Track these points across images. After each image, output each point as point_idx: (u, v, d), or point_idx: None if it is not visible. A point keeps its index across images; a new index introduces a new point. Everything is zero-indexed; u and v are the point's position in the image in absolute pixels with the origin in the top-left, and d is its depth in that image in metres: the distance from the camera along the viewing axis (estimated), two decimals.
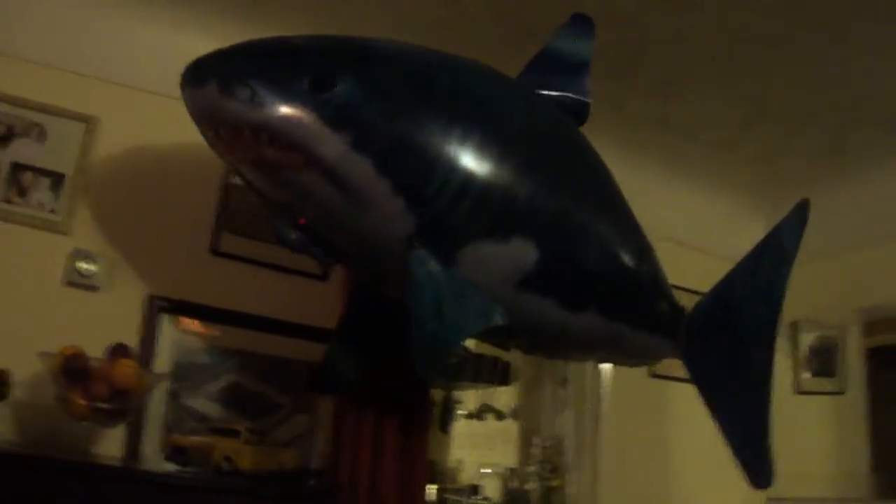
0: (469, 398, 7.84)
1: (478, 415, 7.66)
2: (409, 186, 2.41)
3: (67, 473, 2.71)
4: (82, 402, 2.88)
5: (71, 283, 3.35)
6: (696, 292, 4.76)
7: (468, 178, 2.47)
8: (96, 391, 2.88)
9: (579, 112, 3.03)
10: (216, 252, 3.62)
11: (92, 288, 3.36)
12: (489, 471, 7.28)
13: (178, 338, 3.49)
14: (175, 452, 3.05)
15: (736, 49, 3.72)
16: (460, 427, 7.88)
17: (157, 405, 3.36)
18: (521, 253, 2.60)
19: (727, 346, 3.09)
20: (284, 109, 2.31)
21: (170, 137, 3.45)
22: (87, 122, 3.51)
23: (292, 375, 3.65)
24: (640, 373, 4.53)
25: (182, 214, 3.55)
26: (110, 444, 3.21)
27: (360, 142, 2.34)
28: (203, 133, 2.50)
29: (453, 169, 2.45)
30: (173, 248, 3.54)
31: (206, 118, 2.45)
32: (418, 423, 3.54)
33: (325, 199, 2.40)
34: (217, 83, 2.34)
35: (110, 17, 3.57)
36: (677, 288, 4.66)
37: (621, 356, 3.42)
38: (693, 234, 4.91)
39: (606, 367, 4.48)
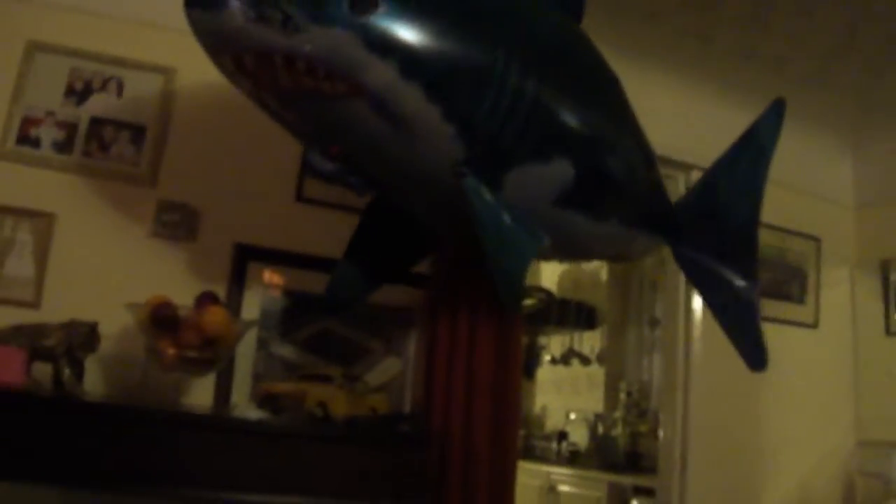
0: (554, 343, 7.84)
1: (563, 360, 7.66)
2: (460, 111, 2.34)
3: (158, 423, 2.71)
4: (171, 351, 2.86)
5: (157, 235, 3.35)
6: (787, 230, 4.73)
7: (516, 99, 2.41)
8: (185, 339, 2.86)
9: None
10: (301, 198, 3.59)
11: (178, 238, 3.36)
12: (575, 416, 7.29)
13: (265, 286, 3.48)
14: (267, 400, 3.03)
15: None
16: (545, 373, 7.92)
17: (246, 354, 3.36)
18: (561, 172, 2.61)
19: (714, 239, 3.26)
20: (323, 34, 2.14)
21: None
22: (165, 73, 3.50)
23: (381, 320, 3.64)
24: None
25: (265, 161, 3.52)
26: (200, 394, 3.24)
27: (409, 67, 2.22)
28: (218, 62, 2.35)
29: (502, 91, 2.38)
30: (258, 196, 3.52)
31: (225, 46, 2.25)
32: (510, 367, 3.50)
33: (370, 130, 2.31)
34: (243, 5, 2.10)
35: None
36: (769, 227, 4.63)
37: (625, 255, 3.60)
38: (782, 170, 4.80)
39: (698, 309, 4.39)
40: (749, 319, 3.23)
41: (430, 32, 2.26)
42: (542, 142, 2.56)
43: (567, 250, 3.26)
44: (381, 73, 2.20)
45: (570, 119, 2.67)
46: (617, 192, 2.93)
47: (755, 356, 3.26)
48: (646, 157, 3.15)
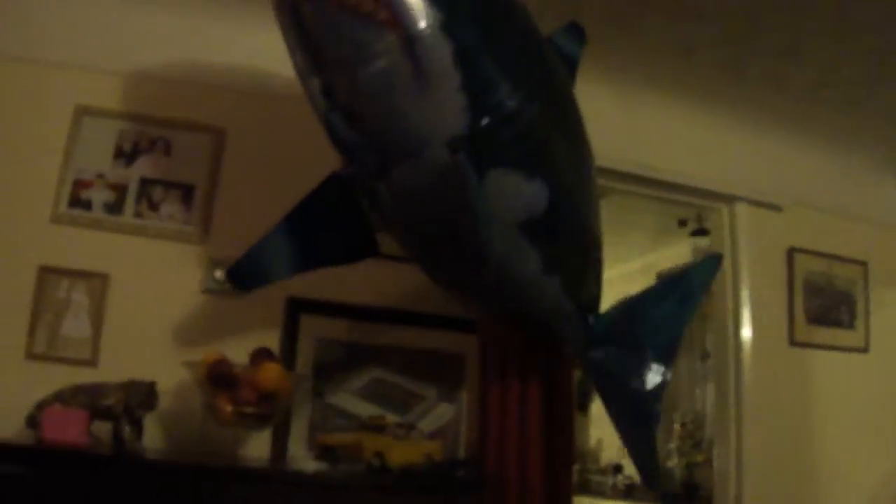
0: None
1: None
2: (476, 87, 2.36)
3: (218, 478, 2.76)
4: (229, 407, 2.91)
5: (209, 292, 3.41)
6: (833, 256, 4.71)
7: (522, 105, 2.48)
8: (242, 396, 2.92)
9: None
10: None
11: (230, 294, 3.39)
12: None
13: (317, 337, 3.51)
14: (324, 451, 3.07)
15: (854, 5, 3.62)
16: (599, 406, 7.83)
17: (301, 405, 3.39)
18: (537, 194, 2.62)
19: (625, 358, 3.15)
20: None
21: (296, 140, 3.44)
22: (214, 132, 3.57)
23: (433, 366, 3.66)
24: (780, 341, 4.47)
25: None
26: (258, 447, 3.26)
27: (452, 25, 2.27)
28: None
29: (514, 92, 2.46)
30: None
31: None
32: (562, 406, 3.51)
33: (388, 70, 2.30)
34: None
35: (230, 26, 3.61)
36: (815, 254, 4.63)
37: (535, 330, 3.32)
38: (822, 197, 4.81)
39: (747, 340, 4.38)
40: (645, 442, 3.21)
41: (476, 9, 2.39)
42: (532, 156, 2.62)
43: (495, 290, 2.99)
44: (425, 19, 2.24)
45: (559, 152, 2.77)
46: (572, 246, 2.96)
47: (647, 475, 3.31)
48: (599, 232, 3.16)
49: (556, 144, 2.75)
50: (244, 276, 3.04)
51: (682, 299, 3.23)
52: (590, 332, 3.14)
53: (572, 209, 2.90)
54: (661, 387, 3.12)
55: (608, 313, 3.21)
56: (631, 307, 3.32)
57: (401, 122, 2.42)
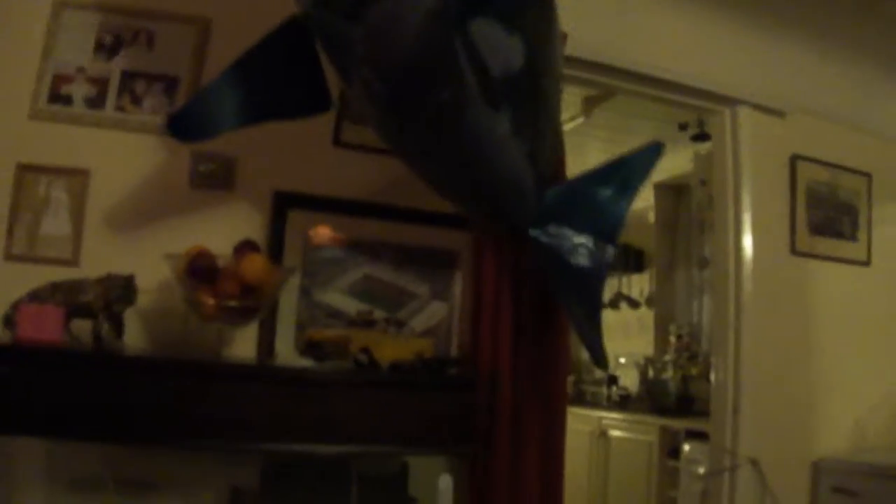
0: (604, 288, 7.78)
1: (612, 304, 7.61)
2: None
3: (199, 374, 2.71)
4: (211, 301, 2.82)
5: (194, 186, 3.31)
6: (838, 166, 4.63)
7: None
8: (225, 289, 2.82)
9: None
10: (339, 142, 3.52)
11: (215, 188, 3.31)
12: (625, 361, 7.23)
13: (306, 232, 3.42)
14: (311, 347, 2.99)
15: None
16: None
17: (288, 302, 3.31)
18: (514, 52, 2.55)
19: (569, 237, 3.12)
20: None
21: None
22: (199, 23, 3.44)
23: (425, 263, 3.58)
24: (781, 251, 4.41)
25: None
26: (243, 345, 3.21)
27: None
28: None
29: None
30: (295, 142, 3.44)
31: None
32: (558, 310, 3.44)
33: None
34: None
35: None
36: (820, 162, 4.54)
37: (489, 205, 3.17)
38: (827, 104, 4.71)
39: (748, 248, 4.30)
40: (591, 322, 3.28)
41: None
42: (515, 10, 2.55)
43: (466, 152, 2.83)
44: None
45: (537, 13, 2.69)
46: (540, 110, 2.90)
47: (594, 353, 3.33)
48: (558, 111, 3.13)
49: (534, 4, 2.66)
50: (186, 127, 2.89)
51: (622, 185, 3.19)
52: (539, 208, 3.10)
53: (543, 73, 2.81)
54: (603, 266, 3.15)
55: (552, 192, 3.13)
56: (573, 188, 3.26)
57: None
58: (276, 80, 2.88)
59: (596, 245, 3.09)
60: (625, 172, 3.23)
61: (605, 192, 3.17)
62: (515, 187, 2.96)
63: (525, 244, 3.14)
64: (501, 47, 2.50)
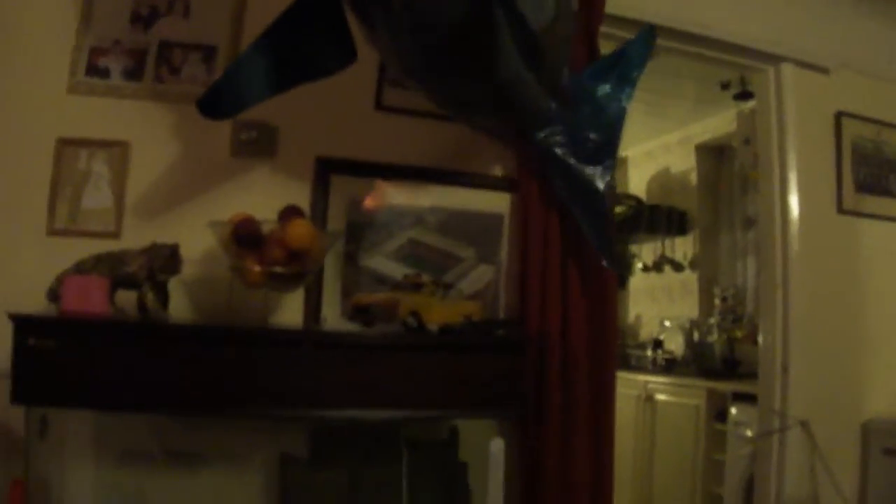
0: (645, 251, 7.74)
1: (655, 267, 7.56)
2: None
3: (246, 342, 2.69)
4: (257, 268, 2.81)
5: (236, 154, 3.29)
6: (882, 122, 4.56)
7: None
8: (271, 255, 2.80)
9: None
10: (380, 106, 3.49)
11: (257, 156, 3.30)
12: (670, 324, 7.18)
13: (350, 197, 3.40)
14: (358, 312, 2.96)
15: None
16: (638, 281, 7.83)
17: (333, 268, 3.30)
18: (546, 6, 2.51)
19: (571, 140, 3.21)
20: None
21: None
22: None
23: (471, 227, 3.55)
24: (828, 209, 4.36)
25: (342, 72, 3.41)
26: (289, 312, 3.21)
27: None
28: None
29: None
30: (336, 107, 3.41)
31: None
32: (605, 274, 3.42)
33: None
34: None
35: None
36: (863, 118, 4.48)
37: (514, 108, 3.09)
38: (871, 61, 4.64)
39: (794, 207, 4.24)
40: (599, 224, 3.28)
41: None
42: None
43: (500, 94, 2.84)
44: None
45: None
46: (563, 49, 2.88)
47: (606, 255, 3.35)
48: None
49: None
50: (217, 104, 2.86)
51: (620, 78, 3.26)
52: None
53: (565, 27, 2.80)
54: (608, 169, 3.25)
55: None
56: (574, 89, 3.21)
57: None
58: (304, 42, 2.82)
59: (595, 142, 3.19)
60: (622, 65, 3.28)
61: (604, 89, 3.23)
62: (533, 106, 3.00)
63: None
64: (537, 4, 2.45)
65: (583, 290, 3.44)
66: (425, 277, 3.09)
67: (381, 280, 3.35)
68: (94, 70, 3.26)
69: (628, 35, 3.78)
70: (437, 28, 2.41)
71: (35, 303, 2.80)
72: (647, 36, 3.36)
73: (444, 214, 3.51)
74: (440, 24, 2.39)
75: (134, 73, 3.29)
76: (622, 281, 7.86)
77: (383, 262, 3.38)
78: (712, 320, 6.81)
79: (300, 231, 2.82)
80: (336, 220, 3.35)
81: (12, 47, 3.21)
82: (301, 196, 3.29)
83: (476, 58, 2.53)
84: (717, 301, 6.87)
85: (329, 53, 2.87)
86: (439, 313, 2.91)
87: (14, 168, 3.15)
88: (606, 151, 3.21)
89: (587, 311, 3.43)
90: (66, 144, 3.18)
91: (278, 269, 2.81)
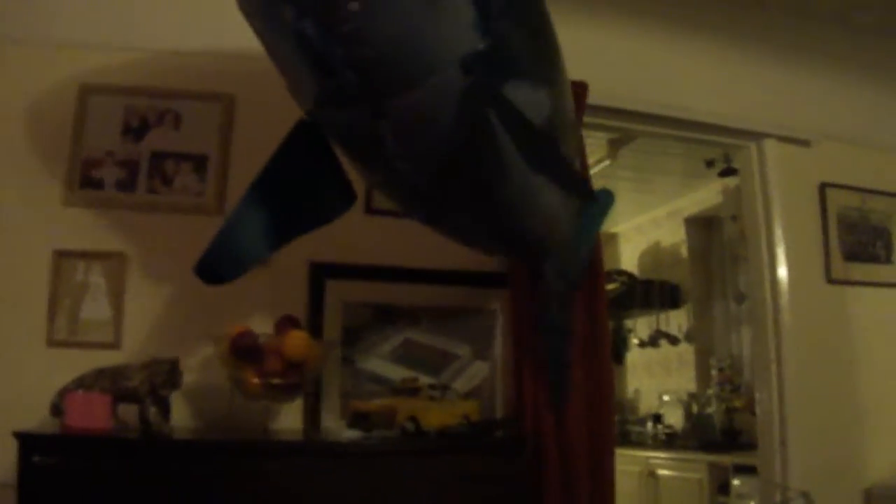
0: (640, 326, 7.77)
1: (651, 342, 7.59)
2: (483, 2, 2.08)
3: (250, 454, 2.71)
4: (256, 380, 2.84)
5: None
6: (867, 190, 4.62)
7: (523, 13, 2.31)
8: (269, 367, 2.83)
9: None
10: (371, 210, 3.56)
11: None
12: (668, 398, 7.20)
13: (344, 301, 3.44)
14: (357, 419, 2.98)
15: None
16: (634, 356, 7.85)
17: (331, 372, 3.32)
18: (542, 105, 2.43)
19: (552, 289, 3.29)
20: None
21: None
22: (223, 100, 3.47)
23: (464, 324, 3.59)
24: (817, 279, 4.40)
25: None
26: (289, 417, 3.23)
27: None
28: None
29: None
30: None
31: None
32: (600, 356, 3.47)
33: None
34: None
35: None
36: (848, 188, 4.53)
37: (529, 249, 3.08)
38: (852, 130, 4.71)
39: (783, 277, 4.29)
40: (560, 362, 3.37)
41: None
42: (537, 63, 2.43)
43: (514, 205, 2.67)
44: None
45: (553, 58, 2.57)
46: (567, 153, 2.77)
47: (558, 395, 3.40)
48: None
49: (551, 50, 2.56)
50: (217, 268, 2.59)
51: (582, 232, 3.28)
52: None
53: (565, 116, 2.74)
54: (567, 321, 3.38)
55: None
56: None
57: (407, 44, 2.04)
58: (298, 190, 2.60)
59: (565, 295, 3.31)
60: (584, 220, 3.26)
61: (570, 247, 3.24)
62: (554, 227, 2.95)
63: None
64: (531, 105, 2.36)
65: (578, 375, 3.46)
66: (422, 381, 3.14)
67: (379, 381, 3.38)
68: (88, 181, 3.31)
69: (613, 123, 3.86)
70: (435, 154, 2.35)
71: (37, 415, 2.83)
72: (607, 199, 3.44)
73: (438, 313, 3.55)
74: (438, 151, 2.33)
75: (127, 184, 3.34)
76: (619, 356, 7.90)
77: (380, 363, 3.41)
78: (710, 391, 6.83)
79: (297, 343, 2.85)
80: (331, 324, 3.38)
81: (7, 160, 3.28)
82: (296, 301, 3.34)
83: (480, 172, 2.45)
84: (713, 372, 6.90)
85: (327, 199, 2.70)
86: (437, 416, 2.94)
87: (12, 280, 3.20)
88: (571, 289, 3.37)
89: (584, 396, 3.45)
90: (63, 256, 3.23)
91: (276, 381, 2.84)
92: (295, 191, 2.58)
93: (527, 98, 2.32)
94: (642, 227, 8.03)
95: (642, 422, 7.36)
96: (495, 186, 2.52)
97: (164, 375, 2.80)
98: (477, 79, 2.14)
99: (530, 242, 2.98)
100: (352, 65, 2.03)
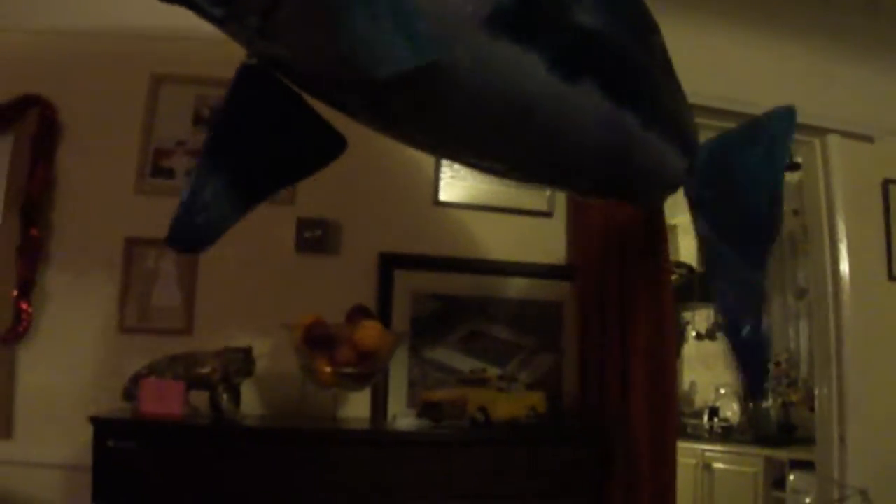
0: (698, 319, 7.73)
1: (708, 335, 7.54)
2: None
3: (320, 441, 2.77)
4: (328, 369, 2.88)
5: (300, 251, 3.38)
6: None
7: None
8: (341, 357, 2.88)
9: None
10: (439, 201, 3.59)
11: (322, 253, 3.38)
12: (724, 391, 7.16)
13: (412, 292, 3.47)
14: (427, 408, 3.01)
15: None
16: (691, 349, 7.81)
17: (398, 361, 3.34)
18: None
19: (727, 218, 2.70)
20: None
21: None
22: None
23: (531, 315, 3.60)
24: (879, 276, 4.35)
25: (400, 169, 3.52)
26: (357, 406, 3.27)
27: None
28: None
29: None
30: (397, 203, 3.53)
31: None
32: (665, 350, 3.45)
33: None
34: None
35: None
36: None
37: (625, 178, 2.54)
38: None
39: (844, 273, 4.26)
40: (754, 318, 2.67)
41: None
42: None
43: (520, 134, 2.12)
44: None
45: None
46: (589, 35, 2.03)
47: (754, 381, 3.07)
48: (647, 21, 2.38)
49: None
50: (188, 239, 2.33)
51: (768, 150, 2.68)
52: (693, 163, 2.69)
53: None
54: (765, 257, 2.68)
55: (701, 153, 2.74)
56: (719, 151, 2.79)
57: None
58: (261, 141, 2.29)
59: (757, 242, 2.66)
60: (766, 135, 2.75)
61: (747, 165, 2.70)
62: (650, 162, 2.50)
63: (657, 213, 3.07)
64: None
65: (644, 368, 3.43)
66: (490, 372, 3.16)
67: (446, 371, 3.41)
68: (159, 171, 3.37)
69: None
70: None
71: (110, 400, 2.90)
72: (787, 113, 2.76)
73: (504, 304, 3.57)
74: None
75: None
76: (676, 349, 7.87)
77: (447, 354, 3.45)
78: (767, 385, 6.80)
79: (370, 333, 2.91)
80: (399, 314, 3.42)
81: (80, 149, 3.34)
82: (365, 291, 3.38)
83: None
84: (770, 366, 6.86)
85: (306, 147, 2.38)
86: (505, 407, 2.97)
87: (85, 267, 3.27)
88: (761, 239, 2.69)
89: (649, 388, 3.42)
90: (135, 244, 3.29)
91: (349, 370, 2.89)
92: (257, 142, 2.28)
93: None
94: None
95: (698, 414, 7.33)
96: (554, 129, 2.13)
97: (238, 363, 2.85)
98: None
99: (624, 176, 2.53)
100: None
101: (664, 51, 2.43)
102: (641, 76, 2.31)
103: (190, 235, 2.30)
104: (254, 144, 2.28)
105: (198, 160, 2.32)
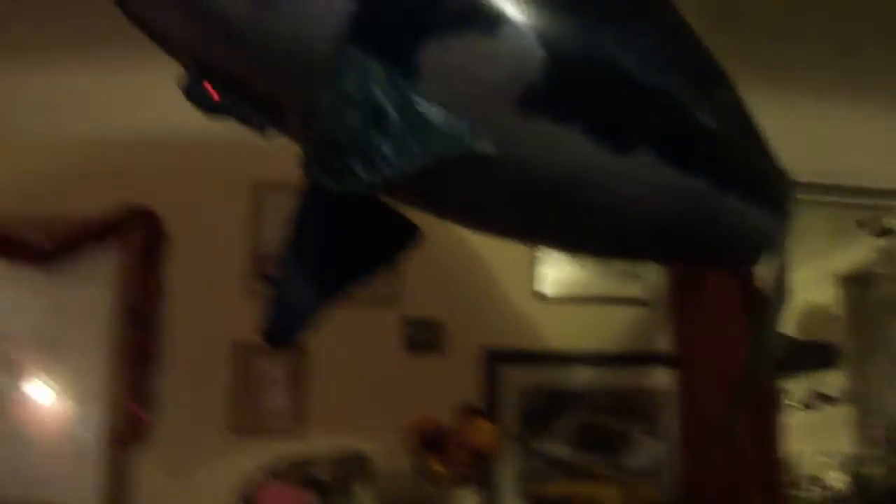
0: (796, 386, 7.63)
1: (808, 403, 7.44)
2: None
3: None
4: (442, 469, 2.93)
5: (407, 350, 3.46)
6: None
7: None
8: (456, 457, 2.92)
9: None
10: (539, 295, 3.63)
11: (427, 352, 3.46)
12: (828, 460, 7.06)
13: (518, 387, 3.51)
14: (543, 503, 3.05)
15: None
16: (791, 417, 7.69)
17: (509, 455, 3.37)
18: (516, 51, 1.56)
19: None
20: None
21: None
22: None
23: (637, 404, 3.62)
24: None
25: (500, 264, 3.59)
26: (465, 500, 3.22)
27: None
28: None
29: None
30: (498, 299, 3.58)
31: None
32: (771, 430, 3.44)
33: None
34: None
35: None
36: None
37: (702, 244, 2.25)
38: None
39: None
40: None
41: None
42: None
43: (575, 212, 1.91)
44: None
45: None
46: (636, 99, 1.75)
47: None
48: (707, 65, 2.09)
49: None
50: (282, 335, 2.30)
51: None
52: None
53: (604, 35, 1.75)
54: None
55: None
56: None
57: (279, 54, 1.47)
58: (334, 240, 2.20)
59: None
60: None
61: None
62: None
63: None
64: None
65: (751, 452, 3.46)
66: (598, 464, 3.19)
67: (555, 464, 3.42)
68: (265, 275, 3.42)
69: None
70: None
71: (222, 501, 2.95)
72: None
73: (610, 394, 3.59)
74: None
75: None
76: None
77: (556, 445, 3.46)
78: (874, 453, 6.68)
79: (484, 434, 2.96)
80: (507, 408, 3.46)
81: (189, 253, 3.44)
82: (471, 388, 3.43)
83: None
84: (876, 433, 6.75)
85: (380, 241, 2.27)
86: (619, 500, 2.99)
87: (194, 368, 3.35)
88: None
89: (759, 472, 3.44)
90: (244, 347, 3.36)
91: (463, 470, 2.93)
92: (332, 237, 2.20)
93: (478, 52, 1.54)
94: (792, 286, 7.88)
95: (800, 483, 7.22)
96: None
97: (354, 469, 2.90)
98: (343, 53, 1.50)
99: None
100: None
101: (736, 101, 2.18)
102: (707, 136, 1.99)
103: (284, 329, 2.28)
104: (329, 239, 2.21)
105: (279, 256, 2.25)
